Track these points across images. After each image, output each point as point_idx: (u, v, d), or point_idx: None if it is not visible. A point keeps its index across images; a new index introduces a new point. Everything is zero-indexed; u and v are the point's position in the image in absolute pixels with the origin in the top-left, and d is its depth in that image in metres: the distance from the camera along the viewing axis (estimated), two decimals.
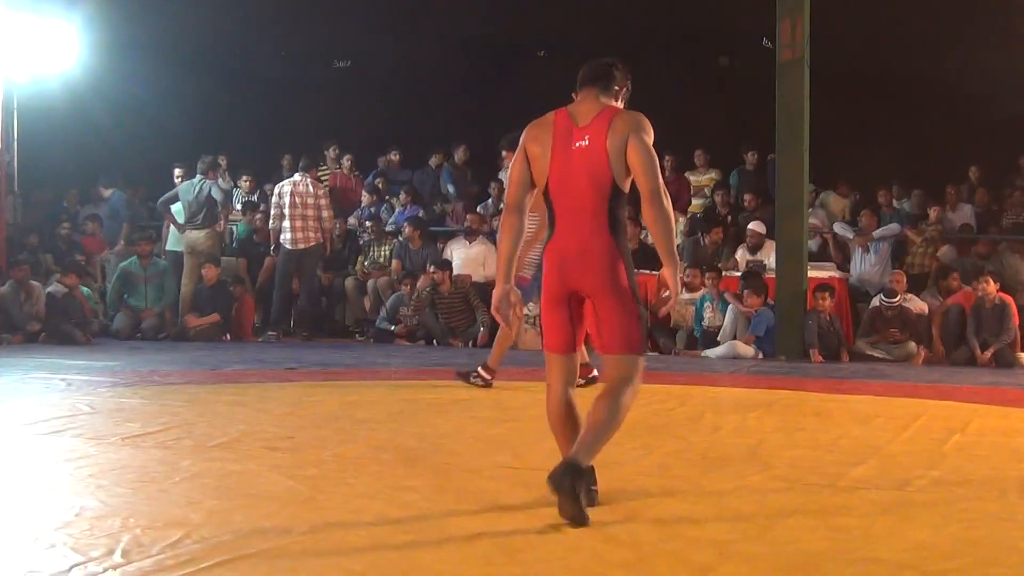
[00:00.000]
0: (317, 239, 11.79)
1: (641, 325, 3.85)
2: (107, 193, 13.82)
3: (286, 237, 11.67)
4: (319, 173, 13.79)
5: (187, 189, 12.04)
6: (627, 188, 3.86)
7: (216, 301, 11.68)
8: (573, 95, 4.01)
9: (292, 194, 11.63)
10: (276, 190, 11.92)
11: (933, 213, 11.66)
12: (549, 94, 15.72)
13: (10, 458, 4.76)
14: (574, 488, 3.56)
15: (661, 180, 3.83)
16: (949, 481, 4.42)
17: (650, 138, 3.83)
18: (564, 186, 3.86)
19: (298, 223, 11.63)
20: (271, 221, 11.93)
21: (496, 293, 3.97)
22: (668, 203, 3.82)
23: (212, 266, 11.72)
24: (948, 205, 12.23)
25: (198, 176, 12.11)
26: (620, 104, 4.03)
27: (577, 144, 3.84)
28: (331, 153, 14.00)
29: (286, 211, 11.63)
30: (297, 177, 11.76)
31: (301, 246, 11.68)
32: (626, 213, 3.93)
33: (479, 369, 7.44)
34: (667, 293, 3.87)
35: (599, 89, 3.98)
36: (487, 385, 7.39)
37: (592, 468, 3.80)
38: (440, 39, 15.94)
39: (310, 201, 11.69)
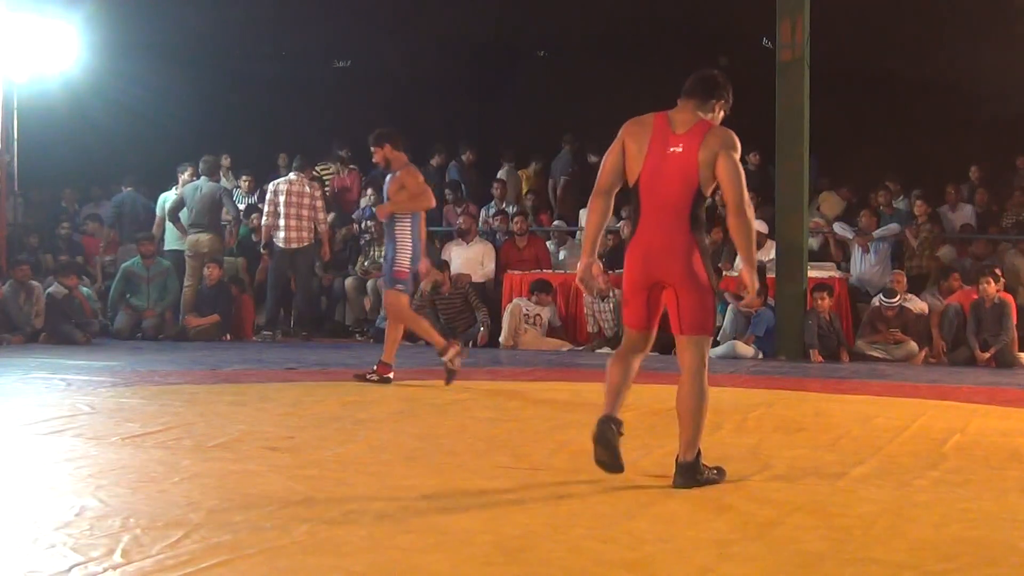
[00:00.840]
0: (311, 239, 11.75)
1: (713, 309, 4.35)
2: (125, 191, 13.76)
3: (279, 236, 11.62)
4: (324, 172, 13.81)
5: (191, 191, 12.03)
6: (708, 193, 4.30)
7: (217, 301, 11.68)
8: (677, 100, 4.40)
9: (288, 193, 11.58)
10: (271, 188, 11.84)
11: (919, 209, 11.60)
12: (549, 94, 15.66)
13: (10, 458, 4.75)
14: (698, 482, 4.24)
15: (746, 193, 4.26)
16: (949, 481, 4.42)
17: (738, 154, 4.27)
18: (654, 184, 4.28)
19: (292, 222, 11.58)
20: (264, 218, 11.85)
21: (580, 265, 4.41)
22: (751, 213, 4.25)
23: (216, 266, 11.71)
24: (948, 205, 12.23)
25: (202, 177, 12.10)
26: (719, 114, 4.46)
27: (671, 149, 4.26)
28: (343, 155, 13.97)
29: (281, 209, 11.58)
30: (293, 176, 11.71)
31: (294, 245, 11.63)
32: (704, 212, 4.33)
33: (376, 367, 7.61)
34: (746, 292, 4.36)
35: (697, 102, 4.39)
36: (386, 381, 7.51)
37: (699, 454, 4.28)
38: (440, 39, 15.93)
39: (305, 201, 11.65)
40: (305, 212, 11.63)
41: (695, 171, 4.23)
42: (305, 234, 11.67)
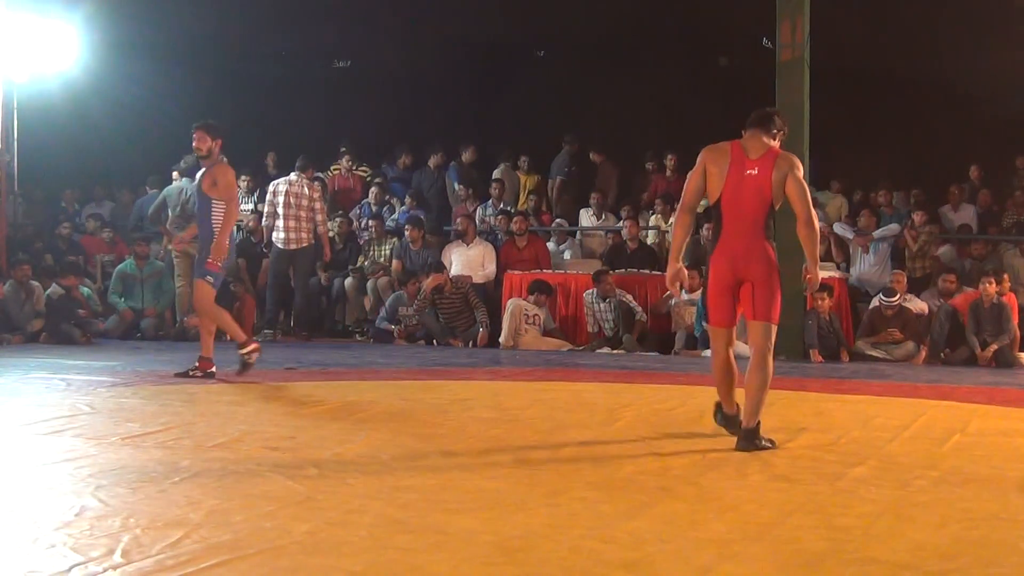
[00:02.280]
0: (309, 240, 11.73)
1: (779, 303, 5.21)
2: (151, 192, 13.72)
3: (278, 236, 11.61)
4: (334, 170, 13.81)
5: (175, 192, 12.02)
6: (778, 206, 5.19)
7: (218, 301, 11.64)
8: (742, 132, 5.26)
9: (287, 193, 11.58)
10: (271, 188, 11.85)
11: (918, 217, 11.56)
12: (549, 94, 15.64)
13: (10, 458, 4.75)
14: (756, 446, 5.06)
15: (812, 206, 5.18)
16: (949, 481, 4.42)
17: (802, 173, 5.18)
18: (734, 201, 5.15)
19: (291, 223, 11.57)
20: (264, 219, 11.87)
21: (670, 271, 5.38)
22: (817, 223, 5.20)
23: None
24: (951, 205, 12.22)
25: (184, 179, 12.10)
26: (778, 142, 5.28)
27: (748, 172, 5.15)
28: (344, 160, 13.95)
29: (279, 210, 11.58)
30: (293, 177, 11.71)
31: (293, 246, 11.63)
32: (774, 223, 5.22)
33: (197, 364, 7.64)
34: (808, 282, 5.30)
35: (762, 131, 5.24)
36: (210, 376, 7.57)
37: (759, 423, 5.13)
38: (440, 39, 15.93)
39: (304, 202, 11.64)
40: (304, 213, 11.62)
41: (769, 190, 5.11)
42: (304, 235, 11.66)
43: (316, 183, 13.10)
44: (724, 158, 5.19)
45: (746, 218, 5.15)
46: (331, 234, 12.78)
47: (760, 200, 5.14)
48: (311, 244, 11.77)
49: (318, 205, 11.82)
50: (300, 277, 11.86)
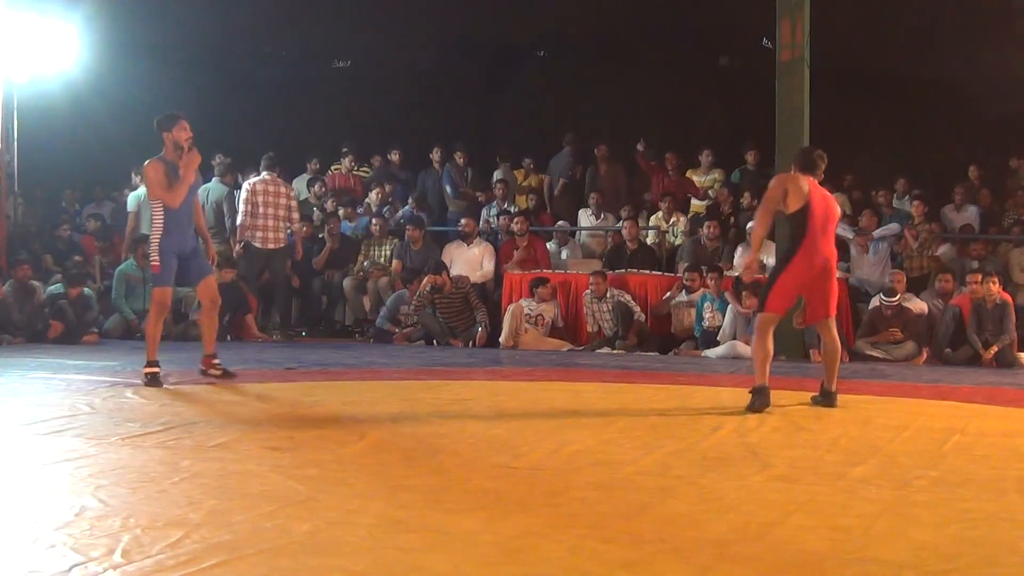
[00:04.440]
0: (285, 239, 11.73)
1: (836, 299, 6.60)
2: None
3: (257, 235, 11.59)
4: (331, 172, 13.82)
5: (200, 194, 12.00)
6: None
7: (224, 302, 11.65)
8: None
9: (265, 192, 11.56)
10: (246, 187, 11.79)
11: (916, 210, 11.58)
12: (549, 94, 15.70)
13: (10, 458, 4.75)
14: (832, 404, 6.56)
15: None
16: (949, 481, 4.42)
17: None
18: (820, 211, 6.35)
19: (271, 222, 11.56)
20: (240, 217, 11.78)
21: (748, 259, 6.75)
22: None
23: (229, 267, 11.69)
24: (953, 205, 12.22)
25: (214, 179, 12.08)
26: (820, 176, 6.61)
27: (823, 192, 6.50)
28: (347, 161, 13.95)
29: (260, 209, 11.56)
30: (267, 175, 11.68)
31: (271, 245, 11.61)
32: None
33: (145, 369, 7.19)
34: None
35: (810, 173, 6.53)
36: (157, 384, 7.10)
37: (837, 389, 6.59)
38: (440, 39, 15.96)
39: (282, 201, 11.64)
40: (281, 212, 11.62)
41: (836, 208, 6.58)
42: (281, 234, 11.66)
43: (318, 183, 13.10)
44: (803, 182, 6.33)
45: (828, 227, 6.40)
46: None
47: (834, 214, 6.48)
48: (288, 244, 11.77)
49: (293, 203, 11.83)
50: (278, 277, 11.84)
